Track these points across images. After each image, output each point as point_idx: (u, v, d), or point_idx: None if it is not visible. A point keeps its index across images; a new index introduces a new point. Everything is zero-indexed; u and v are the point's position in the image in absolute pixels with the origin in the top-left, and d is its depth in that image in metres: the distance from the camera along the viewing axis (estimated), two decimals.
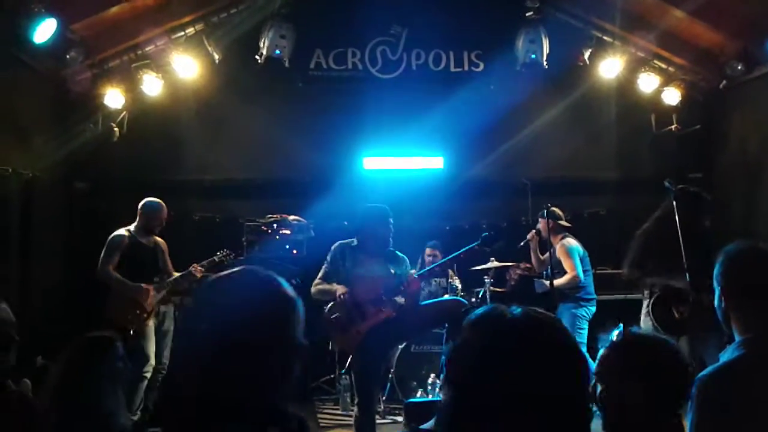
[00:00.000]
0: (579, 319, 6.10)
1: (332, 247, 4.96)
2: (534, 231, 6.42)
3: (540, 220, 6.32)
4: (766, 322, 2.14)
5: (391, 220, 4.84)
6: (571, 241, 6.29)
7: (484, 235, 5.04)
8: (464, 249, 4.91)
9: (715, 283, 2.27)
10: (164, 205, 5.94)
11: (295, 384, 1.42)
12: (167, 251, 6.00)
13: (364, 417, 4.62)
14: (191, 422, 1.30)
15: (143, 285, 5.64)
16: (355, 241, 4.90)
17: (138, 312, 5.57)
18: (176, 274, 5.86)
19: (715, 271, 2.26)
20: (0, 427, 2.32)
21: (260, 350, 1.34)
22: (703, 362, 4.83)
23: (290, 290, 1.45)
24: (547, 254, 6.27)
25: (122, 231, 5.80)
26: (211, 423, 1.29)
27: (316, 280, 4.88)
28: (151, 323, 5.70)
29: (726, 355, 2.16)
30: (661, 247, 4.84)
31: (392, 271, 4.76)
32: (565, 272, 6.14)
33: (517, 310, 1.22)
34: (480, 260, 6.68)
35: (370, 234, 4.81)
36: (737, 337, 2.18)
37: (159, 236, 5.98)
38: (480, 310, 1.25)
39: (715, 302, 2.27)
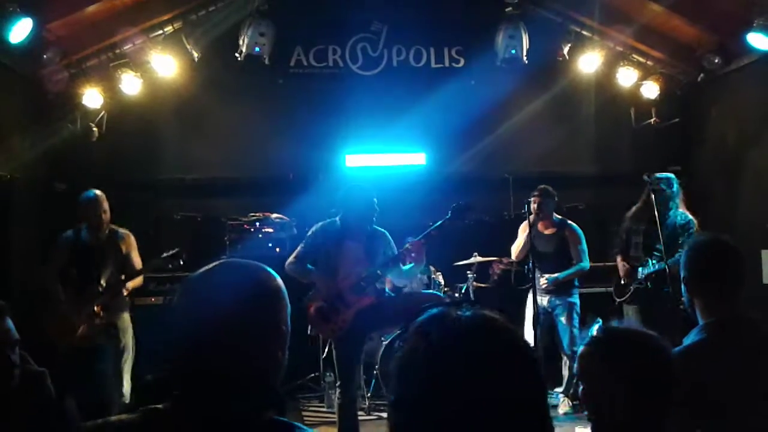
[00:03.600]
0: (576, 309, 5.96)
1: (313, 228, 4.94)
2: (539, 198, 5.92)
3: (534, 198, 5.93)
4: (726, 307, 2.28)
5: (375, 199, 4.83)
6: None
7: (453, 206, 4.82)
8: (436, 225, 4.78)
9: (681, 272, 2.42)
10: (97, 194, 5.40)
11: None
12: (131, 245, 5.51)
13: (346, 399, 4.73)
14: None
15: (63, 304, 5.16)
16: (338, 222, 4.86)
17: (65, 329, 5.01)
18: (101, 287, 5.20)
19: (680, 262, 2.43)
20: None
21: (248, 342, 1.34)
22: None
23: (274, 278, 1.44)
24: (526, 237, 5.91)
25: (68, 231, 5.47)
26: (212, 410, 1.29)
27: (291, 259, 4.85)
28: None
29: (689, 339, 2.28)
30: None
31: (374, 253, 4.78)
32: (563, 259, 5.98)
33: (466, 311, 1.14)
34: (463, 255, 6.71)
35: (354, 211, 4.79)
36: (701, 322, 2.30)
37: (129, 229, 5.57)
38: (426, 314, 1.15)
39: (682, 289, 2.42)
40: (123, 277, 5.31)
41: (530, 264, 5.48)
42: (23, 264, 6.56)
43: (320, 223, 4.94)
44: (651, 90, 7.64)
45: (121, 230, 5.54)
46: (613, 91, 7.82)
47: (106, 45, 7.08)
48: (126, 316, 5.45)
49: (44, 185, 7.19)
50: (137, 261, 5.53)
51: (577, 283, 6.11)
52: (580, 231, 6.07)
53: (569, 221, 6.14)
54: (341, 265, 4.74)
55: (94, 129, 7.21)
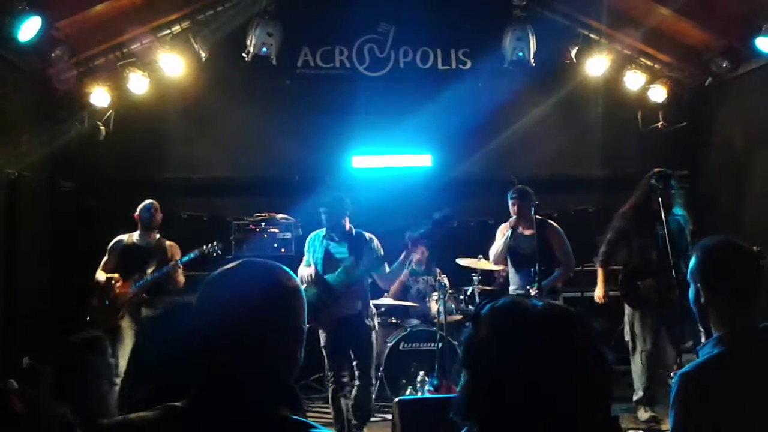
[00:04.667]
0: None
1: (309, 236, 5.56)
2: (518, 200, 5.68)
3: (513, 201, 5.73)
4: (744, 317, 2.13)
5: (349, 204, 5.33)
6: None
7: (433, 218, 5.13)
8: (418, 233, 5.17)
9: (690, 279, 2.24)
10: (153, 202, 5.99)
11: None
12: (177, 254, 5.96)
13: (337, 386, 5.22)
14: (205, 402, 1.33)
15: (111, 276, 5.71)
16: (325, 230, 5.42)
17: (107, 307, 5.58)
18: (149, 271, 5.76)
19: (691, 267, 2.23)
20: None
21: (267, 340, 1.36)
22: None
23: (292, 278, 1.47)
24: (504, 242, 5.73)
25: (123, 236, 5.97)
26: (224, 405, 1.31)
27: (301, 266, 5.38)
28: (126, 324, 5.63)
29: (705, 351, 2.15)
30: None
31: (357, 254, 5.24)
32: (544, 260, 5.55)
33: (539, 302, 1.24)
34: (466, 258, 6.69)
35: (328, 220, 5.34)
36: (715, 332, 2.17)
37: (134, 228, 5.99)
38: (502, 301, 1.26)
39: (691, 298, 2.24)
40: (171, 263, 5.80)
41: (535, 267, 5.44)
42: (30, 262, 6.58)
43: (313, 232, 5.53)
44: (658, 94, 7.62)
45: (168, 241, 6.02)
46: (621, 94, 7.81)
47: (114, 44, 7.11)
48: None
49: (51, 184, 7.22)
50: (180, 270, 5.95)
51: (560, 287, 5.91)
52: (561, 231, 5.82)
53: (549, 221, 5.87)
54: (327, 264, 5.26)
55: (102, 128, 7.24)
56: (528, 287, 5.59)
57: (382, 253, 5.31)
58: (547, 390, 1.15)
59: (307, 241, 5.49)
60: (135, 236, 5.96)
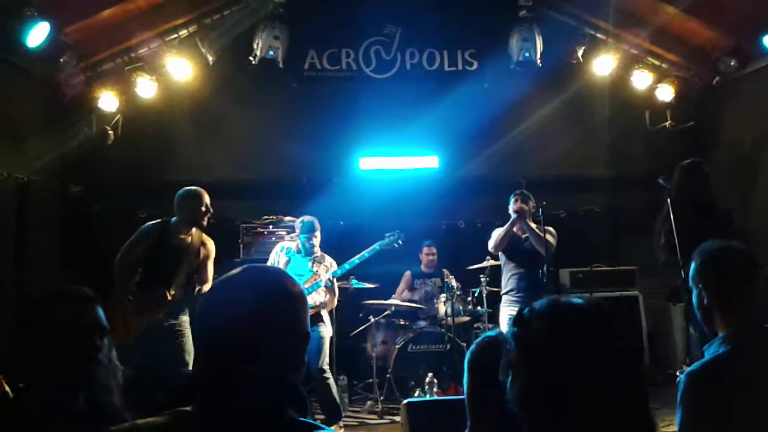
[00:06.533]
0: None
1: (277, 246, 5.98)
2: (520, 196, 5.75)
3: (516, 197, 5.76)
4: (747, 316, 2.21)
5: (317, 233, 5.77)
6: None
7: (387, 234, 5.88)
8: (369, 251, 5.75)
9: (692, 284, 2.33)
10: (199, 189, 4.99)
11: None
12: (211, 252, 5.06)
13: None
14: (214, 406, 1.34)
15: (129, 298, 4.80)
16: (292, 244, 5.90)
17: (123, 327, 4.61)
18: (170, 294, 4.77)
19: (692, 272, 2.33)
20: None
21: (272, 345, 1.38)
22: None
23: (296, 283, 1.49)
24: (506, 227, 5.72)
25: (155, 224, 4.98)
26: (234, 405, 1.32)
27: None
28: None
29: (711, 350, 2.22)
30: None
31: (315, 270, 5.68)
32: (540, 259, 5.54)
33: (578, 299, 1.36)
34: (476, 259, 6.70)
35: (301, 240, 5.80)
36: (720, 333, 2.23)
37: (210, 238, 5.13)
38: (542, 301, 1.38)
39: (695, 302, 2.32)
40: (195, 290, 4.92)
41: (544, 268, 5.43)
42: (39, 266, 6.62)
43: (279, 244, 6.07)
44: (666, 93, 7.59)
45: (204, 236, 5.10)
46: (628, 93, 7.78)
47: (122, 48, 7.15)
48: (186, 318, 4.98)
49: (60, 188, 7.27)
50: (210, 271, 5.12)
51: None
52: (555, 233, 5.77)
53: (547, 227, 5.70)
54: None
55: (110, 132, 7.27)
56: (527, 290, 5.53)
57: (332, 270, 5.69)
58: (593, 379, 1.26)
59: (275, 250, 5.86)
60: (168, 229, 4.92)
